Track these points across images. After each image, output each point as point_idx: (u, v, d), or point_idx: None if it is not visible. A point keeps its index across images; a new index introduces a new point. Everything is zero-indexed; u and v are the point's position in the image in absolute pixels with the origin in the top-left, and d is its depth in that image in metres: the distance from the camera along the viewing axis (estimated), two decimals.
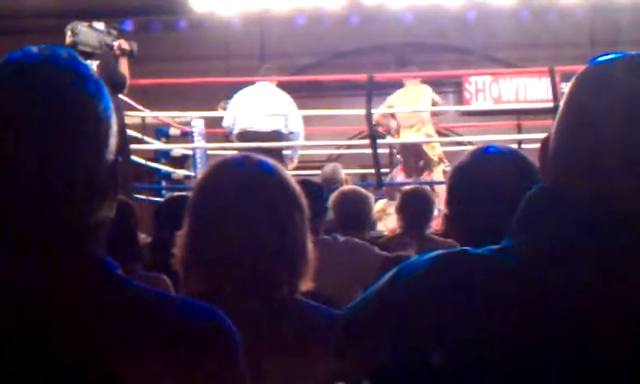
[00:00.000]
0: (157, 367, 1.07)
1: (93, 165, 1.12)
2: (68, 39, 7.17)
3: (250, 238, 1.77)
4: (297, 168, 9.78)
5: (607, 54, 1.14)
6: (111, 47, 7.37)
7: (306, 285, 1.84)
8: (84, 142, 1.11)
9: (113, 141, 1.14)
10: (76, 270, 1.09)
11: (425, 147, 9.85)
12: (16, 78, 1.11)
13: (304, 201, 1.87)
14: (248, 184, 1.81)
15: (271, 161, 1.90)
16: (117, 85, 7.39)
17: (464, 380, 1.00)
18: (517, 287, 1.03)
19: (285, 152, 9.00)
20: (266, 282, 1.79)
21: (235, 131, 9.06)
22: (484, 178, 1.98)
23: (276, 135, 8.86)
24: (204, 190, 1.86)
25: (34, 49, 1.14)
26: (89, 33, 7.20)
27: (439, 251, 1.11)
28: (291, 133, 8.98)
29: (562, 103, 1.14)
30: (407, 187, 5.64)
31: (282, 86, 9.55)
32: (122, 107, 7.90)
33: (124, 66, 7.43)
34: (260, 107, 9.02)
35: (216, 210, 1.81)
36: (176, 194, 6.43)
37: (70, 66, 1.14)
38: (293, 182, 1.88)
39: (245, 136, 8.88)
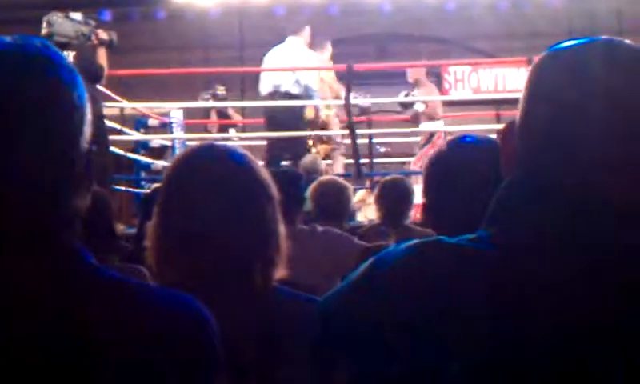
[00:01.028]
0: (133, 356, 1.07)
1: (67, 153, 1.11)
2: (44, 30, 7.12)
3: (219, 229, 1.77)
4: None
5: (567, 40, 1.14)
6: (88, 38, 7.33)
7: (281, 273, 1.84)
8: (58, 130, 1.10)
9: (87, 129, 1.14)
10: (49, 259, 1.08)
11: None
12: None
13: (274, 189, 1.87)
14: (216, 174, 1.81)
15: (240, 150, 1.89)
16: (94, 75, 7.34)
17: (440, 371, 1.00)
18: (493, 277, 1.03)
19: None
20: (238, 272, 1.78)
21: (264, 92, 8.97)
22: (460, 167, 1.98)
23: (306, 94, 8.78)
24: (172, 181, 1.86)
25: (8, 38, 1.13)
26: (65, 23, 7.16)
27: (414, 241, 1.11)
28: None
29: (526, 90, 1.13)
30: (386, 177, 5.63)
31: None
32: (100, 98, 7.86)
33: (102, 56, 7.38)
34: (288, 65, 8.86)
35: (184, 201, 1.80)
36: (157, 186, 6.38)
37: (44, 54, 1.13)
38: (262, 170, 1.88)
39: (274, 97, 8.82)
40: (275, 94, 8.85)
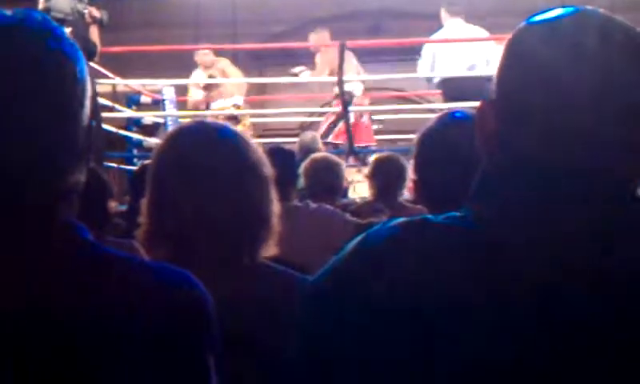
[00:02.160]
0: (128, 331, 1.07)
1: (71, 126, 1.11)
2: (41, 5, 7.11)
3: (209, 206, 1.77)
4: (269, 136, 9.75)
5: (546, 11, 1.11)
6: (82, 14, 7.32)
7: (272, 250, 1.84)
8: (62, 104, 1.10)
9: (88, 103, 1.14)
10: (46, 234, 1.08)
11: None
12: None
13: (267, 167, 1.87)
14: (206, 152, 1.81)
15: (231, 127, 1.89)
16: (88, 52, 7.34)
17: (425, 352, 1.00)
18: (479, 256, 1.02)
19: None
20: (227, 249, 1.79)
21: (436, 80, 8.84)
22: (450, 143, 1.97)
23: (483, 79, 8.65)
24: (162, 159, 1.85)
25: (8, 12, 1.13)
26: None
27: (400, 220, 1.11)
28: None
29: (504, 65, 1.11)
30: (380, 154, 5.63)
31: (254, 53, 9.48)
32: (93, 75, 7.85)
33: (94, 33, 7.39)
34: (460, 50, 8.64)
35: (174, 178, 1.81)
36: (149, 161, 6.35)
37: (46, 28, 1.13)
38: (254, 148, 1.87)
39: (449, 84, 8.58)
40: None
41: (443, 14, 8.97)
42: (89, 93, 1.14)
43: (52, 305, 1.05)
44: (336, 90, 9.34)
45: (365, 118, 9.79)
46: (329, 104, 10.52)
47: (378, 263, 1.05)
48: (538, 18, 1.11)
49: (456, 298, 1.00)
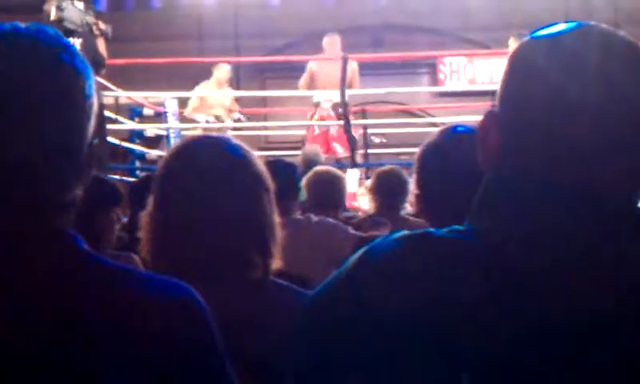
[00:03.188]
0: (125, 342, 1.07)
1: (77, 141, 1.12)
2: (53, 15, 7.13)
3: (216, 220, 1.76)
4: (270, 149, 9.76)
5: (552, 25, 1.11)
6: (91, 27, 7.34)
7: (276, 263, 1.83)
8: (71, 118, 1.11)
9: (94, 120, 1.14)
10: (44, 245, 1.09)
11: None
12: (7, 51, 1.11)
13: (270, 180, 1.86)
14: (212, 166, 1.80)
15: (236, 141, 1.89)
16: (97, 64, 7.36)
17: (430, 365, 1.00)
18: (482, 271, 1.02)
19: None
20: (237, 264, 1.78)
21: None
22: (452, 157, 1.97)
23: None
24: (168, 172, 1.84)
25: (22, 25, 1.14)
26: (73, 10, 7.18)
27: (403, 233, 1.11)
28: None
29: (508, 81, 1.11)
30: (382, 167, 5.63)
31: (256, 66, 9.52)
32: (97, 87, 7.86)
33: (102, 46, 7.41)
34: None
35: (180, 193, 1.79)
36: (148, 173, 6.34)
37: (59, 42, 1.14)
38: (258, 161, 1.87)
39: None
40: None
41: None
42: (95, 109, 1.15)
43: (50, 314, 1.05)
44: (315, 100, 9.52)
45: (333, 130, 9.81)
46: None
47: (380, 277, 1.05)
48: (540, 32, 1.11)
49: (458, 309, 1.00)
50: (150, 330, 1.09)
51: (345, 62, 8.87)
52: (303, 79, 9.97)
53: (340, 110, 9.15)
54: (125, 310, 1.09)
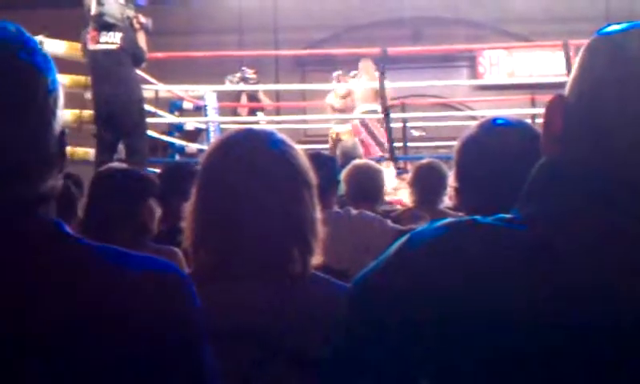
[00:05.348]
0: (111, 318, 1.08)
1: (42, 137, 1.13)
2: (94, 9, 7.21)
3: (258, 215, 1.75)
4: (309, 142, 9.80)
5: (618, 23, 1.12)
6: (131, 21, 7.41)
7: (317, 259, 1.83)
8: (34, 115, 1.12)
9: (60, 113, 1.16)
10: (25, 231, 1.10)
11: None
12: None
13: (312, 175, 1.85)
14: (253, 159, 1.79)
15: (279, 135, 1.88)
16: (138, 58, 7.43)
17: (474, 349, 1.00)
18: (527, 258, 1.02)
19: None
20: (278, 259, 1.78)
21: None
22: (492, 150, 1.96)
23: None
24: (210, 166, 1.85)
25: None
26: (113, 4, 7.25)
27: (449, 220, 1.11)
28: None
29: (578, 72, 1.11)
30: (421, 161, 5.62)
31: (295, 60, 9.56)
32: (139, 81, 7.93)
33: (142, 39, 7.46)
34: None
35: (223, 185, 1.80)
36: (171, 163, 6.39)
37: (19, 40, 1.14)
38: (301, 155, 1.86)
39: None
40: None
41: None
42: (61, 102, 1.16)
43: (33, 297, 1.07)
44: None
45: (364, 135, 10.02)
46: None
47: (426, 264, 1.05)
48: (615, 28, 1.11)
49: (503, 298, 1.00)
50: (126, 304, 1.10)
51: (384, 55, 8.85)
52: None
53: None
54: (101, 286, 1.10)
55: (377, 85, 9.21)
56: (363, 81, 10.11)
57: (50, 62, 1.16)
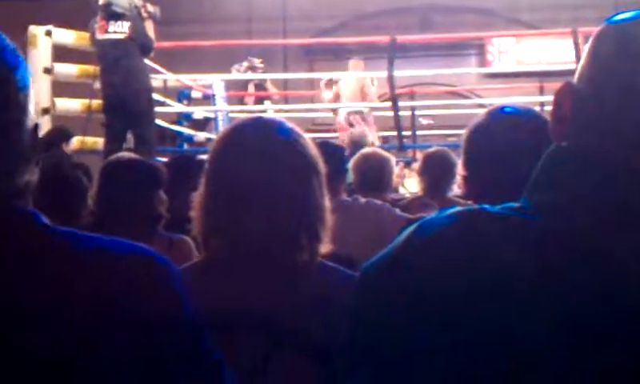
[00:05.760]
0: (94, 303, 1.09)
1: (15, 134, 1.13)
2: None
3: (267, 202, 1.76)
4: (317, 131, 9.80)
5: (627, 11, 1.11)
6: (139, 10, 7.42)
7: (325, 247, 1.83)
8: (4, 111, 1.12)
9: (32, 107, 1.16)
10: (4, 223, 1.11)
11: None
12: None
13: (321, 163, 1.85)
14: (262, 147, 1.80)
15: (288, 123, 1.88)
16: (146, 48, 7.44)
17: (483, 335, 1.00)
18: (537, 247, 1.02)
19: None
20: (286, 247, 1.78)
21: None
22: (499, 138, 1.96)
23: None
24: (219, 154, 1.85)
25: None
26: None
27: (458, 208, 1.11)
28: None
29: (583, 62, 1.11)
30: (430, 149, 5.61)
31: (303, 48, 9.58)
32: (148, 70, 7.94)
33: (150, 29, 7.48)
34: None
35: (232, 175, 1.80)
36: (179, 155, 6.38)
37: None
38: (310, 144, 1.86)
39: None
40: None
41: None
42: (32, 98, 1.17)
43: (15, 287, 1.08)
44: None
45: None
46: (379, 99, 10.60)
47: (434, 252, 1.05)
48: (623, 17, 1.11)
49: (511, 286, 1.00)
50: (107, 289, 1.11)
51: (393, 42, 8.85)
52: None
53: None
54: (83, 272, 1.11)
55: (363, 83, 9.36)
56: (350, 78, 10.21)
57: (18, 57, 1.16)
